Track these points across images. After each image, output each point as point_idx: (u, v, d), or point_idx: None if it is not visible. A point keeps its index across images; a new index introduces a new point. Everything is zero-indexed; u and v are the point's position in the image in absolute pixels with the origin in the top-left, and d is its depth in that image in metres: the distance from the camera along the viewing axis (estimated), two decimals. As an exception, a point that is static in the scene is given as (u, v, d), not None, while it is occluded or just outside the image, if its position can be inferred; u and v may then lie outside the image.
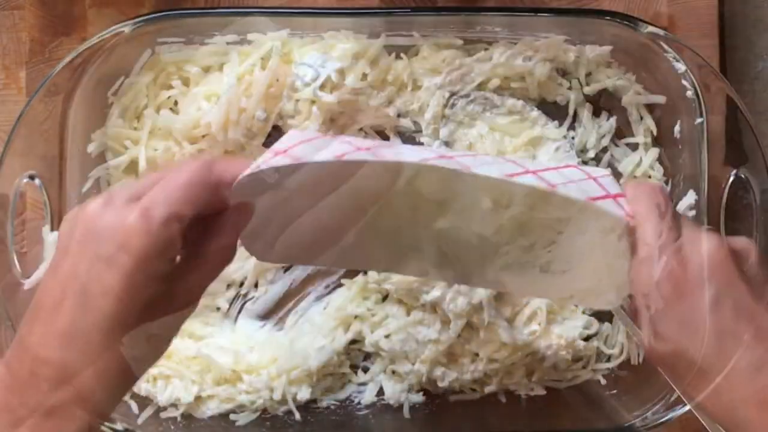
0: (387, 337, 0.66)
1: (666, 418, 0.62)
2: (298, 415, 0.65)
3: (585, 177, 0.46)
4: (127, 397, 0.64)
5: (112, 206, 0.42)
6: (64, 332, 0.41)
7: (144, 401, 0.64)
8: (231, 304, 0.68)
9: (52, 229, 0.64)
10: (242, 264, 0.67)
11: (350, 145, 0.44)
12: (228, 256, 0.46)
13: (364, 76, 0.65)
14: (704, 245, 0.42)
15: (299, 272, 0.68)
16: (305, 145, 0.45)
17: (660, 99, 0.67)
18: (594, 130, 0.68)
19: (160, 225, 0.41)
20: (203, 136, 0.64)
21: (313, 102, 0.65)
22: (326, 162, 0.44)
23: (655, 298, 0.42)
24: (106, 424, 0.62)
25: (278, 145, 0.46)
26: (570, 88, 0.68)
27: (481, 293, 0.63)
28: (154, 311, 0.43)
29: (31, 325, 0.42)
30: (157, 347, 0.45)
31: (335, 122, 0.67)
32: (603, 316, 0.68)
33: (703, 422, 0.56)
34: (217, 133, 0.64)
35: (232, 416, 0.66)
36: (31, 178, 0.64)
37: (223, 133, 0.64)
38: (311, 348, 0.65)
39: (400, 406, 0.66)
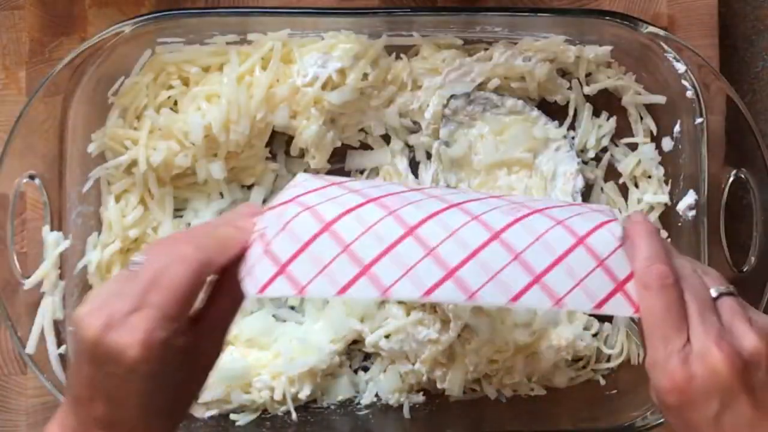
0: (387, 337, 0.66)
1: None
2: (295, 416, 0.65)
3: (594, 265, 0.44)
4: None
5: (111, 328, 0.41)
6: (106, 421, 0.43)
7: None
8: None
9: (51, 229, 0.64)
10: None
11: (359, 196, 0.44)
12: (239, 304, 0.47)
13: (365, 76, 0.65)
14: (713, 357, 0.42)
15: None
16: (315, 194, 0.45)
17: (660, 99, 0.67)
18: (594, 130, 0.68)
19: (162, 345, 0.41)
20: (205, 137, 0.64)
21: (315, 102, 0.65)
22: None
23: (661, 401, 0.44)
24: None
25: (288, 193, 0.45)
26: (570, 88, 0.68)
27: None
28: (184, 384, 0.45)
29: (73, 407, 0.44)
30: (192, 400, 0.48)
31: (335, 123, 0.67)
32: (603, 317, 0.69)
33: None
34: (219, 134, 0.64)
35: (232, 416, 0.66)
36: (31, 178, 0.64)
37: (224, 134, 0.64)
38: (312, 348, 0.65)
39: (400, 406, 0.66)
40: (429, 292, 0.42)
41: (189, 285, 0.42)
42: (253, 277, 0.43)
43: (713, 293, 0.45)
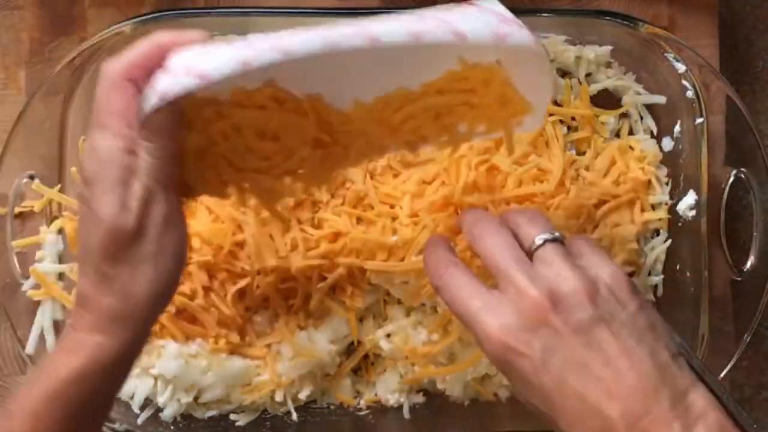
0: (387, 337, 0.66)
1: (666, 418, 0.62)
2: (295, 416, 0.65)
3: (479, 11, 0.45)
4: (127, 397, 0.64)
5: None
6: (114, 314, 0.45)
7: (144, 401, 0.64)
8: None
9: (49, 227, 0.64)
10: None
11: (251, 49, 0.42)
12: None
13: (365, 76, 0.65)
14: (525, 300, 0.43)
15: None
16: (201, 54, 0.42)
17: (660, 99, 0.67)
18: (594, 130, 0.69)
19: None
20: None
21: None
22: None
23: (490, 356, 0.44)
24: (107, 423, 0.62)
25: (175, 64, 0.42)
26: (570, 88, 0.68)
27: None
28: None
29: (83, 307, 0.45)
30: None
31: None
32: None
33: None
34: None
35: (232, 416, 0.66)
36: (31, 178, 0.64)
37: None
38: (312, 348, 0.65)
39: (400, 406, 0.66)
40: (332, 40, 0.41)
41: (111, 92, 0.43)
42: (153, 91, 0.42)
43: (536, 242, 0.45)
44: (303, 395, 0.65)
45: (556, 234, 0.45)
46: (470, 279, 0.45)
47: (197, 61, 0.42)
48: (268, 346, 0.65)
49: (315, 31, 0.42)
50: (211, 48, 0.43)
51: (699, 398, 0.41)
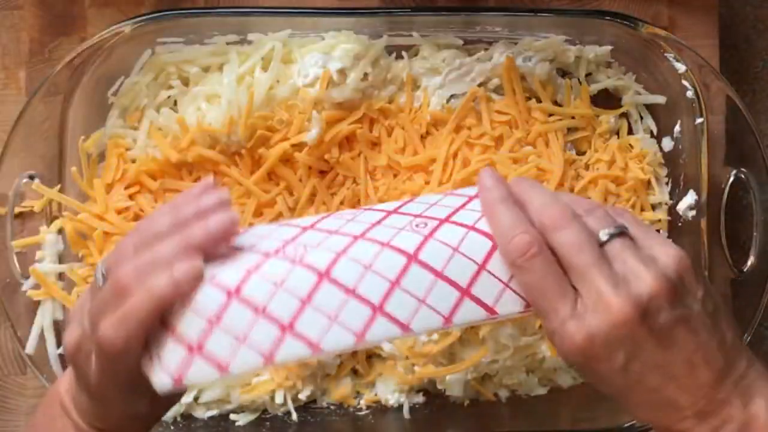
0: (387, 337, 0.66)
1: (666, 418, 0.62)
2: (295, 416, 0.65)
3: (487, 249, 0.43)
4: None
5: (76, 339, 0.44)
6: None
7: (144, 401, 0.64)
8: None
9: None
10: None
11: (256, 254, 0.41)
12: None
13: (365, 76, 0.65)
14: (608, 311, 0.40)
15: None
16: (220, 339, 0.40)
17: (660, 99, 0.67)
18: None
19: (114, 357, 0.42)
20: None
21: (315, 104, 0.64)
22: None
23: (568, 362, 0.44)
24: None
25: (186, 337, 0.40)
26: (570, 88, 0.68)
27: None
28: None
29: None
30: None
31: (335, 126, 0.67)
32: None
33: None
34: (220, 135, 0.63)
35: (232, 416, 0.66)
36: (31, 178, 0.64)
37: (225, 135, 0.63)
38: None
39: (400, 406, 0.66)
40: (362, 334, 0.41)
41: (143, 319, 0.41)
42: (163, 366, 0.40)
43: (602, 237, 0.42)
44: (303, 395, 0.65)
45: (620, 227, 0.43)
46: (558, 271, 0.42)
47: (222, 345, 0.40)
48: (268, 346, 0.65)
49: (359, 300, 0.41)
50: (231, 314, 0.41)
51: (754, 371, 0.42)
